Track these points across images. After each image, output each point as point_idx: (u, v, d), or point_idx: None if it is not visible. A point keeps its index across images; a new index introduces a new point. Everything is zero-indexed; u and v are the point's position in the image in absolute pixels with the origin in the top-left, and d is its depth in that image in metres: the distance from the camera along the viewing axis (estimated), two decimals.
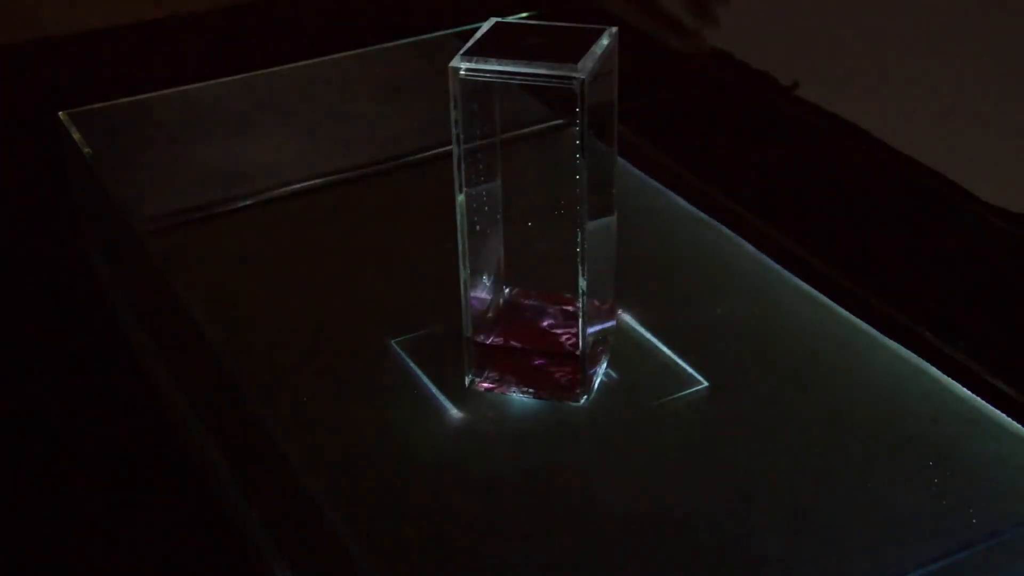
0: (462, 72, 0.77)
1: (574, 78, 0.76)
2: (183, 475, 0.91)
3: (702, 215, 1.06)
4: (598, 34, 0.80)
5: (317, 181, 1.13)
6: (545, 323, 0.89)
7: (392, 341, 0.92)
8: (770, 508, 0.77)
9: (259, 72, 1.14)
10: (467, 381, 0.87)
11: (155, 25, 1.48)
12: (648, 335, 0.92)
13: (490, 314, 0.89)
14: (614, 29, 0.81)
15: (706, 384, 0.87)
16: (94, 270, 1.09)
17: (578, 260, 0.81)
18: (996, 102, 1.10)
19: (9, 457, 0.93)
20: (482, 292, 0.87)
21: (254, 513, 0.85)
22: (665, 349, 0.90)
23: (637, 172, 1.12)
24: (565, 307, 0.89)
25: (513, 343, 0.87)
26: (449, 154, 0.81)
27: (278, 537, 0.82)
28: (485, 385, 0.87)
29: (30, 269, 1.10)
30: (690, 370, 0.88)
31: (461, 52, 0.77)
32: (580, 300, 0.82)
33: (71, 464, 0.92)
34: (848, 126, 1.22)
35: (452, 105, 0.78)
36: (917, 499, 0.78)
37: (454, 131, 0.79)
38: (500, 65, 0.76)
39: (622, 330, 0.92)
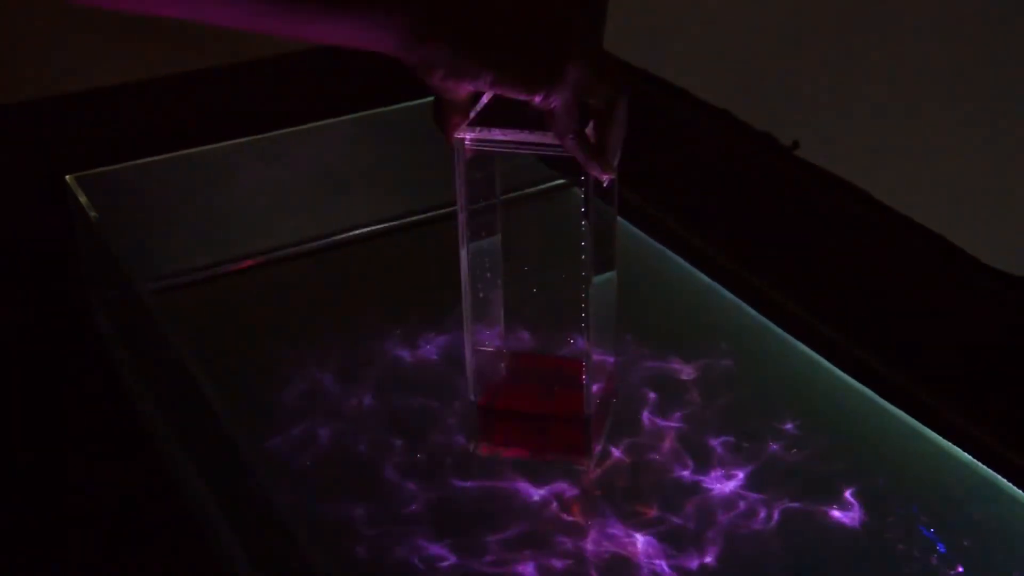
0: (467, 143, 0.78)
1: None
2: (181, 532, 0.91)
3: (702, 276, 1.07)
4: None
5: (320, 242, 1.14)
6: (548, 386, 0.89)
7: (394, 402, 0.93)
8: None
9: (264, 135, 1.15)
10: (472, 446, 0.87)
11: (162, 84, 1.49)
12: (649, 393, 0.93)
13: (494, 377, 0.89)
14: None
15: (704, 452, 0.87)
16: (98, 329, 1.10)
17: (581, 322, 0.82)
18: (997, 165, 1.11)
19: (9, 506, 0.93)
20: (485, 356, 0.87)
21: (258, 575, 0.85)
22: (666, 411, 0.91)
23: (637, 231, 1.13)
24: (568, 369, 0.89)
25: (517, 407, 0.88)
26: (451, 215, 0.82)
27: None
28: (490, 449, 0.87)
29: (35, 328, 1.11)
30: (689, 429, 0.89)
31: (465, 123, 0.78)
32: (585, 361, 0.83)
33: (69, 518, 0.92)
34: (847, 187, 1.23)
35: (456, 174, 0.79)
36: (921, 565, 0.78)
37: (459, 200, 0.80)
38: (504, 135, 0.77)
39: (622, 390, 0.93)
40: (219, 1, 0.67)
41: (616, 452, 0.88)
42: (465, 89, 0.74)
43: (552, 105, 0.72)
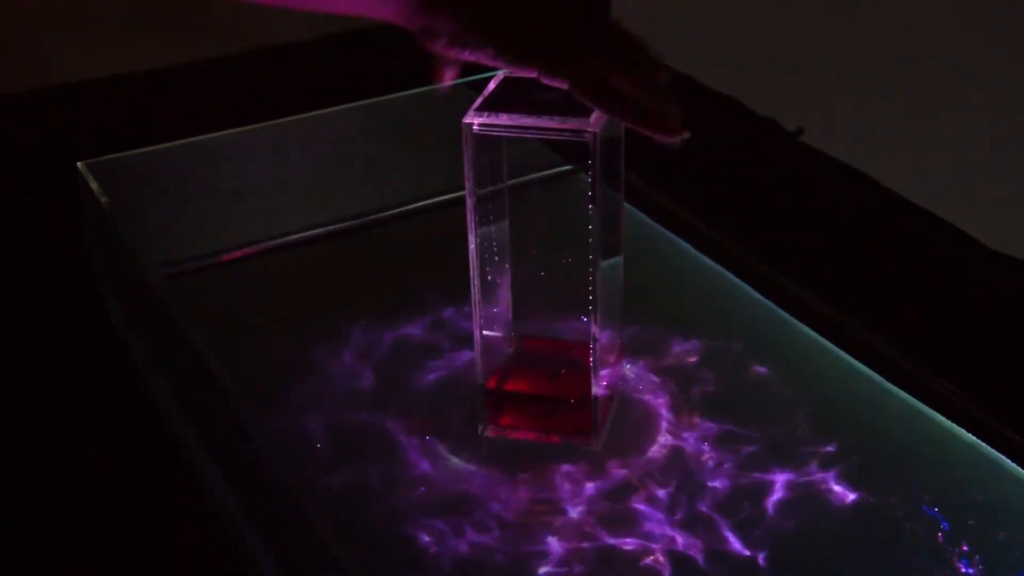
0: (475, 127, 0.78)
1: (587, 131, 0.77)
2: (194, 516, 0.92)
3: (707, 260, 1.08)
4: None
5: (328, 228, 1.14)
6: (555, 369, 0.90)
7: (403, 385, 0.93)
8: (777, 559, 0.78)
9: (273, 122, 1.15)
10: (480, 428, 0.88)
11: (172, 73, 1.50)
12: (654, 377, 0.94)
13: (501, 360, 0.90)
14: None
15: (710, 434, 0.88)
16: (108, 314, 1.11)
17: (589, 306, 0.83)
18: (1003, 151, 1.11)
19: (21, 493, 0.94)
20: (493, 339, 0.88)
21: (269, 557, 0.86)
22: (671, 394, 0.92)
23: (642, 216, 1.14)
24: (575, 352, 0.90)
25: (524, 389, 0.88)
26: (458, 201, 0.82)
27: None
28: (497, 432, 0.88)
29: (46, 315, 1.11)
30: (695, 411, 0.89)
31: (473, 107, 0.78)
32: (592, 344, 0.83)
33: (82, 506, 0.93)
34: (851, 172, 1.23)
35: (465, 159, 0.79)
36: (925, 544, 0.79)
37: (467, 185, 0.80)
38: (512, 120, 0.77)
39: (629, 374, 0.94)
40: None
41: (622, 434, 0.88)
42: (467, 59, 0.74)
43: (558, 85, 0.72)
